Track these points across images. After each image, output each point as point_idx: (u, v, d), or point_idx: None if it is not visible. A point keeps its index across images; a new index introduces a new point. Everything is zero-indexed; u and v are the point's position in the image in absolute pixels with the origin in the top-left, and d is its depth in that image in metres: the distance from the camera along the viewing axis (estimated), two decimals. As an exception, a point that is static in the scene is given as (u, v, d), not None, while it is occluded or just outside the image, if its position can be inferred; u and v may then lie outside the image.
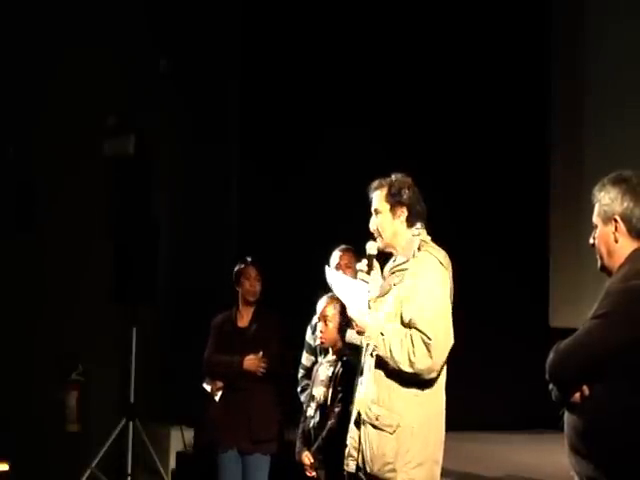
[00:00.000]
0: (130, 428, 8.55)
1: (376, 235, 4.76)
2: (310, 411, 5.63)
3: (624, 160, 7.89)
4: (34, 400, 9.95)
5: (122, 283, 8.64)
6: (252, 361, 6.54)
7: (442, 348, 4.49)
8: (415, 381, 4.50)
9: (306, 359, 6.16)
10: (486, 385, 9.11)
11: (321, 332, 5.62)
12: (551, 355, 3.56)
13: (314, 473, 5.53)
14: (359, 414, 4.60)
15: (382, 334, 4.51)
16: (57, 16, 10.21)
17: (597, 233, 3.67)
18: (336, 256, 6.12)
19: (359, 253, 6.11)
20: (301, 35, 9.18)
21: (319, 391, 5.60)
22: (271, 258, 7.58)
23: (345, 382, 5.47)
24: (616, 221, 3.61)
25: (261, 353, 6.54)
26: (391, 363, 4.48)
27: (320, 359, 5.85)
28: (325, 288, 6.02)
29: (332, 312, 5.58)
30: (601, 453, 3.46)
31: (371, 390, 4.56)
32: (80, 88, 9.86)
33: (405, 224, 4.72)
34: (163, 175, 9.44)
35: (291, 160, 9.02)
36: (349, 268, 6.05)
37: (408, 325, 4.49)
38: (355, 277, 5.98)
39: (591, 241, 3.70)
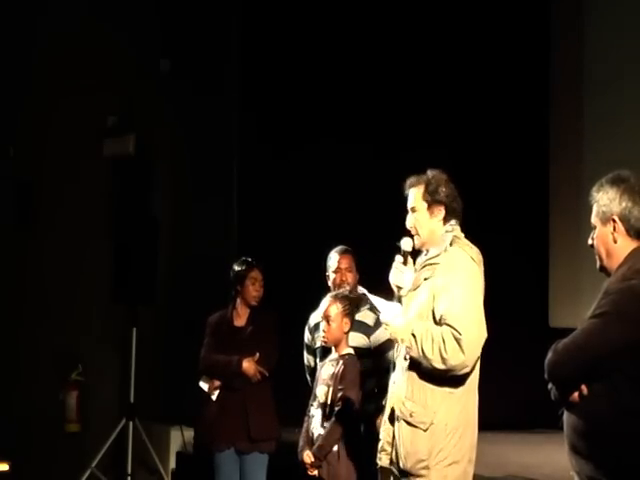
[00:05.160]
0: (130, 428, 8.54)
1: (413, 233, 4.73)
2: (312, 410, 5.64)
3: (624, 162, 7.87)
4: (34, 400, 9.96)
5: (122, 283, 8.62)
6: (251, 366, 6.52)
7: (474, 343, 4.47)
8: (449, 378, 4.50)
9: (307, 359, 6.16)
10: (485, 385, 9.09)
11: (324, 332, 5.61)
12: (550, 354, 3.56)
13: (315, 472, 5.53)
14: (393, 410, 4.60)
15: (413, 335, 4.49)
16: (57, 16, 10.23)
17: (596, 233, 3.68)
18: (335, 259, 6.03)
19: (358, 253, 6.13)
20: (303, 35, 9.16)
21: (321, 390, 5.61)
22: (271, 258, 7.57)
23: (347, 381, 5.50)
24: (614, 221, 3.62)
25: (257, 355, 6.53)
26: (424, 362, 4.46)
27: (319, 360, 5.85)
28: (325, 287, 6.04)
29: (335, 312, 5.57)
30: (601, 453, 3.47)
31: (405, 386, 4.56)
32: (80, 88, 9.87)
33: (442, 222, 4.71)
34: (163, 175, 9.44)
35: (293, 161, 9.01)
36: (350, 272, 6.02)
37: (440, 321, 4.49)
38: (356, 280, 6.02)
39: (590, 242, 3.71)
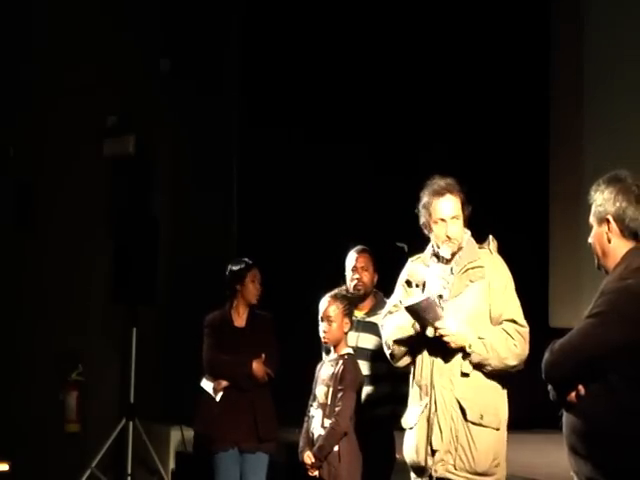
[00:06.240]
0: (130, 428, 8.54)
1: (453, 240, 4.82)
2: (312, 410, 5.64)
3: (625, 159, 7.88)
4: (34, 400, 9.95)
5: (122, 283, 8.62)
6: (260, 368, 6.53)
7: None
8: (502, 376, 4.79)
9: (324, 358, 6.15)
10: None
11: (324, 332, 5.62)
12: (546, 355, 3.57)
13: (316, 472, 5.53)
14: (451, 416, 4.69)
15: (480, 338, 4.67)
16: (58, 16, 10.22)
17: (592, 233, 3.68)
18: (352, 258, 6.07)
19: (374, 253, 6.14)
20: (303, 34, 9.15)
21: (321, 390, 5.60)
22: (271, 258, 7.57)
23: (347, 381, 5.49)
24: (609, 221, 3.62)
25: (263, 356, 6.53)
26: (494, 363, 4.70)
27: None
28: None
29: (335, 312, 5.58)
30: (599, 453, 3.47)
31: (467, 391, 4.70)
32: (80, 88, 9.86)
33: None
34: (163, 175, 9.44)
35: (293, 161, 9.01)
36: (366, 271, 6.02)
37: (497, 319, 4.72)
38: (374, 280, 6.03)
39: (589, 241, 3.71)
